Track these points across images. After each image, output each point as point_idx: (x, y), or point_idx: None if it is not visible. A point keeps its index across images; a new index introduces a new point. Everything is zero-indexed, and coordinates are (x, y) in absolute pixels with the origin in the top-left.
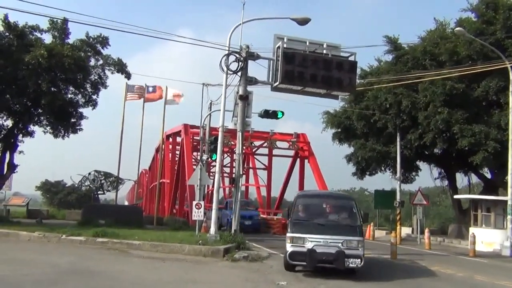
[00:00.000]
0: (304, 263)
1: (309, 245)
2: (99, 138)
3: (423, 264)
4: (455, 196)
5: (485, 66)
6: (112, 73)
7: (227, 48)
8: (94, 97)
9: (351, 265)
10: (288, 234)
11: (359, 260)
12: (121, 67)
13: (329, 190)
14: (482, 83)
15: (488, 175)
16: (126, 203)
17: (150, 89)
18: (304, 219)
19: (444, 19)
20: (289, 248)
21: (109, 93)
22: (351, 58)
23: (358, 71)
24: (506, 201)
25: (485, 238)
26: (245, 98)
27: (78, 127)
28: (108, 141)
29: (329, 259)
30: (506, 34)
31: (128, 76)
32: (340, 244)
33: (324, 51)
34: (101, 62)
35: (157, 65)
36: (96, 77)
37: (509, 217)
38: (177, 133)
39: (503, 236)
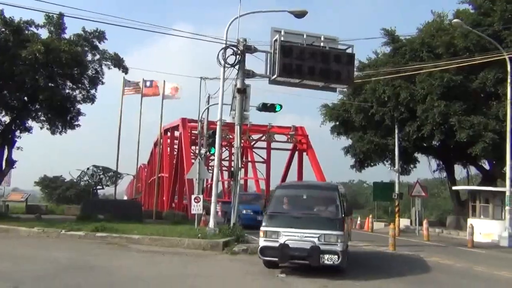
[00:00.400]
0: (276, 259)
1: (282, 240)
2: (98, 133)
3: (422, 256)
4: (454, 188)
5: (483, 57)
6: (109, 68)
7: (224, 42)
8: (92, 91)
9: (326, 262)
10: (262, 228)
11: (336, 256)
12: (118, 62)
13: (313, 181)
14: (480, 74)
15: (487, 167)
16: (125, 197)
17: (148, 83)
18: (280, 211)
19: (442, 10)
20: (262, 242)
21: (108, 88)
22: (349, 51)
23: (356, 63)
24: (504, 192)
25: (484, 229)
26: (243, 92)
27: (76, 123)
28: (107, 136)
29: (302, 255)
30: (503, 26)
31: (125, 70)
32: (316, 239)
33: (322, 44)
34: (98, 57)
35: (155, 59)
36: (93, 72)
37: (507, 208)
38: (175, 128)
39: (501, 227)
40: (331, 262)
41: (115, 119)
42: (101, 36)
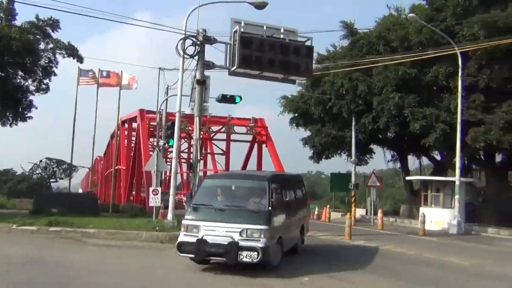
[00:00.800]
0: (192, 255)
1: (202, 235)
2: (52, 125)
3: (376, 244)
4: (407, 178)
5: (435, 52)
6: (64, 57)
7: (183, 32)
8: (46, 81)
9: (245, 259)
10: (183, 221)
11: (256, 253)
12: (72, 51)
13: (245, 170)
14: (433, 68)
15: (438, 157)
16: (80, 190)
17: (105, 73)
18: (204, 203)
19: (400, 5)
20: (181, 237)
21: (62, 79)
22: (308, 43)
23: (315, 56)
24: (454, 182)
25: (434, 217)
26: (202, 83)
27: (28, 115)
28: (61, 128)
29: (219, 251)
30: (456, 21)
31: (80, 60)
32: (237, 234)
33: (281, 36)
34: (51, 45)
35: (113, 49)
36: (46, 61)
37: (456, 196)
38: (133, 119)
39: (451, 215)
40: (250, 260)
41: (70, 111)
42: (54, 24)
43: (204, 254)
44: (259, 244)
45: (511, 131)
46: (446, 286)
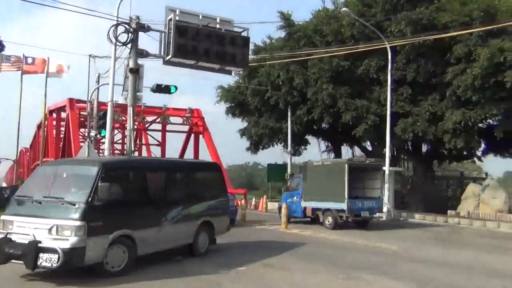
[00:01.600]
0: None
1: (12, 232)
2: None
3: (311, 232)
4: None
5: (367, 46)
6: None
7: (115, 18)
8: None
9: (44, 263)
10: (1, 217)
11: (56, 257)
12: None
13: (83, 157)
14: (365, 61)
15: (369, 148)
16: (4, 184)
17: (30, 60)
18: (26, 195)
19: None
20: None
21: None
22: (244, 34)
23: (252, 46)
24: (384, 171)
25: None
26: (135, 72)
27: None
28: None
29: (17, 253)
30: (385, 16)
31: (1, 47)
32: (47, 231)
33: (218, 26)
34: None
35: (40, 34)
36: None
37: (386, 185)
38: (62, 108)
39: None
40: (49, 264)
41: None
42: None
43: (5, 256)
44: (63, 245)
45: (435, 123)
46: (375, 270)
